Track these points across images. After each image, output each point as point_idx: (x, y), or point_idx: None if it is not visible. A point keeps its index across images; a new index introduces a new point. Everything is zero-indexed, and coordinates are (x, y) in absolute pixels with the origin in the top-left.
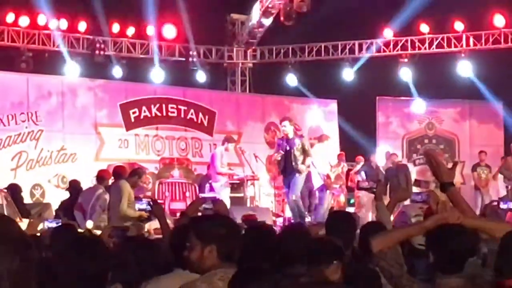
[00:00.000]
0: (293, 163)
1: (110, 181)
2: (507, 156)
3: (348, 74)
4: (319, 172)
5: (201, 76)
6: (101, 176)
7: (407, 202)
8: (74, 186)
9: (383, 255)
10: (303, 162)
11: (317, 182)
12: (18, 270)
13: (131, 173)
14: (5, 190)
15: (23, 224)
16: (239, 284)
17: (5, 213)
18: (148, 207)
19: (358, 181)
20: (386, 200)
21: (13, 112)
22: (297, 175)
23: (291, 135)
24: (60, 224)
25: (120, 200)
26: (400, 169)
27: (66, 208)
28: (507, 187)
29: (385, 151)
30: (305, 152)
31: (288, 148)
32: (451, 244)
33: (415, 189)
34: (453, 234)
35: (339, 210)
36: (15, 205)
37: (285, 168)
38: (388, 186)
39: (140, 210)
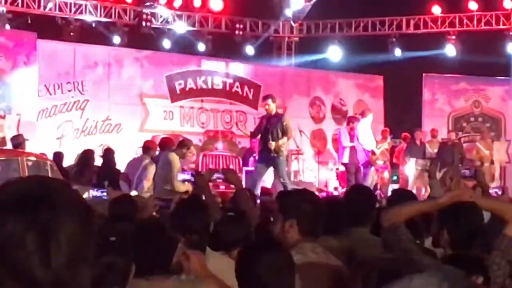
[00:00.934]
0: (270, 141)
1: (156, 152)
2: None
3: (394, 50)
4: (363, 148)
5: (247, 49)
6: (147, 147)
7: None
8: (107, 155)
9: (394, 229)
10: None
11: (361, 158)
12: (78, 236)
13: (179, 144)
14: (51, 159)
15: None
16: (248, 259)
17: None
18: (192, 178)
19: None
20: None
21: (59, 82)
22: (278, 157)
23: (271, 113)
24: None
25: (170, 171)
26: (456, 147)
27: (104, 175)
28: None
29: (430, 128)
30: (283, 132)
31: (268, 126)
32: (465, 221)
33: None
34: (467, 211)
35: (401, 188)
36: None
37: (263, 144)
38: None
39: (184, 180)
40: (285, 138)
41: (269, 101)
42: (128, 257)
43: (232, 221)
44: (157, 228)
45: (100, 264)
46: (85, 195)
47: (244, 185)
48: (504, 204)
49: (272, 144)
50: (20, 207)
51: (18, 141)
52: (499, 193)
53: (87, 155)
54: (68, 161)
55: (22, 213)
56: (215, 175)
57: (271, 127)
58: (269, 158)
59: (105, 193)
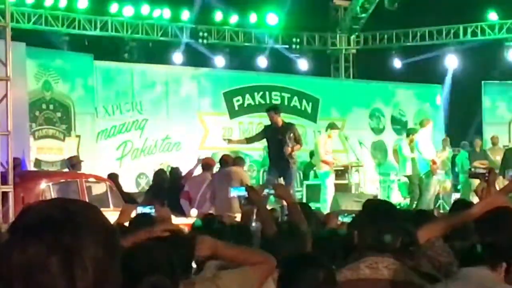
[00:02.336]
0: (283, 152)
1: (215, 169)
2: None
3: (452, 59)
4: (424, 157)
5: (304, 63)
6: (207, 164)
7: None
8: (174, 174)
9: (431, 244)
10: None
11: (423, 168)
12: (102, 257)
13: (236, 161)
14: (110, 180)
15: None
16: (290, 274)
17: (110, 201)
18: (246, 193)
19: (470, 169)
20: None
21: (117, 102)
22: (290, 165)
23: (280, 123)
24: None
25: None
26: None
27: (170, 195)
28: None
29: (490, 136)
30: (296, 141)
31: (279, 136)
32: (502, 227)
33: None
34: (503, 217)
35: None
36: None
37: (274, 156)
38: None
39: (238, 196)
40: (298, 146)
41: (277, 111)
42: (175, 276)
43: (287, 236)
44: None
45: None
46: (133, 214)
47: (305, 199)
48: None
49: (288, 150)
50: (41, 231)
51: (73, 162)
52: None
53: (160, 175)
54: (128, 181)
55: (44, 237)
56: (266, 190)
57: (283, 138)
58: (281, 168)
59: (153, 210)
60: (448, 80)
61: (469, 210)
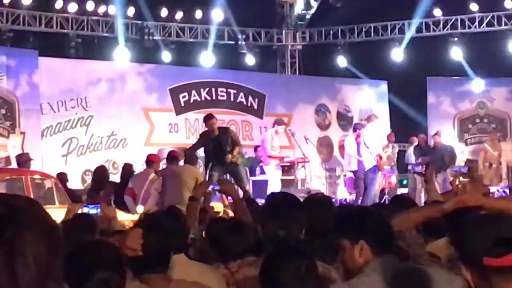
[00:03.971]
0: (227, 155)
1: (162, 165)
2: None
3: (398, 54)
4: (371, 152)
5: (250, 59)
6: (151, 160)
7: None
8: (126, 171)
9: (402, 235)
10: (231, 152)
11: (369, 163)
12: (44, 255)
13: (187, 157)
14: (55, 177)
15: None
16: (272, 266)
17: (56, 198)
18: (217, 187)
19: (407, 165)
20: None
21: (63, 99)
22: (237, 166)
23: (216, 132)
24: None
25: (183, 183)
26: (444, 149)
27: (118, 192)
28: None
29: (435, 131)
30: (234, 143)
31: (221, 142)
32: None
33: None
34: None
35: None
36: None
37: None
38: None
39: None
40: (237, 149)
41: (215, 120)
42: (122, 271)
43: (234, 232)
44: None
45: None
46: (79, 212)
47: (252, 195)
48: (498, 203)
49: (229, 158)
50: None
51: (22, 160)
52: (508, 192)
53: (99, 172)
54: (74, 177)
55: None
56: (211, 186)
57: (223, 142)
58: (226, 169)
59: (98, 209)
60: (393, 75)
61: (442, 205)
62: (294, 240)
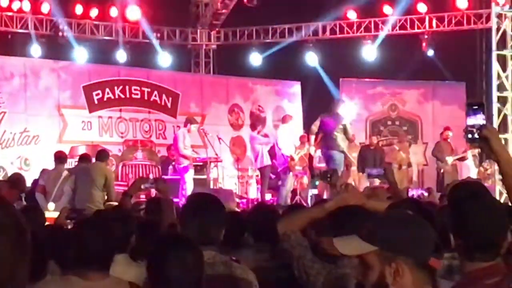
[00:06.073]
0: None
1: (74, 162)
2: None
3: (312, 56)
4: (283, 153)
5: (165, 58)
6: (59, 157)
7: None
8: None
9: (287, 237)
10: None
11: (280, 164)
12: (9, 257)
13: (98, 155)
14: None
15: None
16: (160, 254)
17: None
18: (152, 185)
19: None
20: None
21: None
22: None
23: None
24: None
25: (108, 181)
26: (378, 150)
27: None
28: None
29: None
30: None
31: None
32: (349, 226)
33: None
34: (352, 215)
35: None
36: None
37: None
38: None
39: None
40: None
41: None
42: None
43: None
44: None
45: None
46: None
47: None
48: (378, 204)
49: None
50: None
51: None
52: (426, 194)
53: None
54: None
55: None
56: (146, 185)
57: None
58: None
59: None
60: (307, 77)
61: (324, 205)
62: (213, 240)
